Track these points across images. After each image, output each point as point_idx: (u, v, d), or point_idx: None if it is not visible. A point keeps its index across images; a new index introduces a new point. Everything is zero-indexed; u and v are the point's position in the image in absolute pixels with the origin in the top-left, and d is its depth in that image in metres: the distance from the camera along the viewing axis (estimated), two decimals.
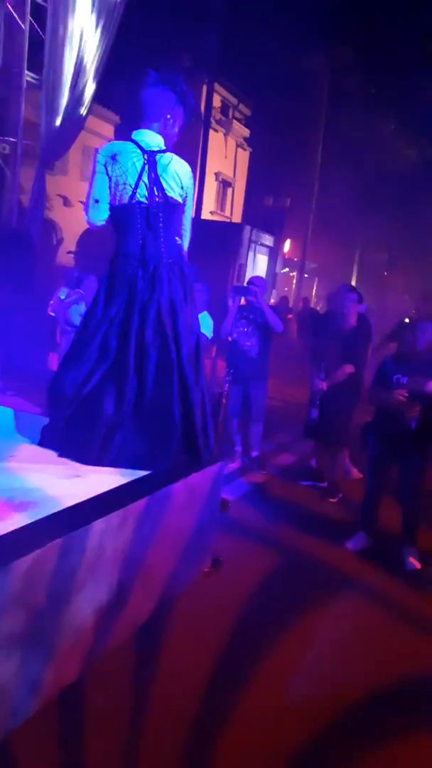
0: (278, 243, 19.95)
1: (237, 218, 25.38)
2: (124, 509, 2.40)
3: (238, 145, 26.21)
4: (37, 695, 2.08)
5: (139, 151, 2.80)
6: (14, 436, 3.20)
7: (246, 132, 26.34)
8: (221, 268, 14.48)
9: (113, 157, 2.77)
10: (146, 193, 2.81)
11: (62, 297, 5.75)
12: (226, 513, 4.28)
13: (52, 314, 5.78)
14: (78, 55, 8.11)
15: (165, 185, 2.83)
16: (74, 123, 8.67)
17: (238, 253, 16.23)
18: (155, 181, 2.81)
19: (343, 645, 2.95)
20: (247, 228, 17.32)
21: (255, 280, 5.68)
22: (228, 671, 2.65)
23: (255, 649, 2.82)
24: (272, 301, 17.27)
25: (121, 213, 2.84)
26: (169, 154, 2.87)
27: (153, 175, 2.81)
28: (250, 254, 17.15)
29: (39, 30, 8.75)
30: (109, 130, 20.17)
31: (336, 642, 2.97)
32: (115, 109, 19.47)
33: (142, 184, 2.80)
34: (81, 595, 2.19)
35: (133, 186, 2.78)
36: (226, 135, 24.93)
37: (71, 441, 2.83)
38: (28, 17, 8.73)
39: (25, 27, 8.73)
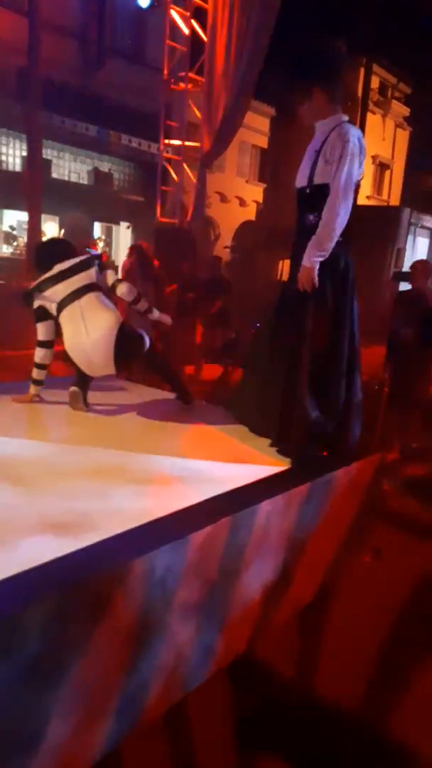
0: None
1: (395, 201, 24.35)
2: (288, 492, 2.48)
3: (397, 125, 25.05)
4: (210, 662, 2.25)
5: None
6: (175, 421, 3.42)
7: (405, 111, 25.07)
8: (377, 254, 14.03)
9: (361, 142, 2.76)
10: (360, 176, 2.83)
11: None
12: (387, 504, 4.23)
13: None
14: (237, 53, 8.28)
15: None
16: (234, 121, 8.87)
17: (396, 237, 15.60)
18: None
19: None
20: (406, 210, 16.60)
21: (418, 265, 5.46)
22: (389, 659, 2.64)
23: (417, 640, 2.78)
24: None
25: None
26: None
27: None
28: (410, 237, 16.42)
29: (201, 32, 9.10)
30: (264, 123, 20.30)
31: None
32: (270, 101, 19.52)
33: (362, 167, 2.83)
34: (249, 572, 2.31)
35: (361, 170, 2.80)
36: (384, 116, 23.95)
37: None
38: (191, 21, 9.11)
39: (188, 31, 9.13)
